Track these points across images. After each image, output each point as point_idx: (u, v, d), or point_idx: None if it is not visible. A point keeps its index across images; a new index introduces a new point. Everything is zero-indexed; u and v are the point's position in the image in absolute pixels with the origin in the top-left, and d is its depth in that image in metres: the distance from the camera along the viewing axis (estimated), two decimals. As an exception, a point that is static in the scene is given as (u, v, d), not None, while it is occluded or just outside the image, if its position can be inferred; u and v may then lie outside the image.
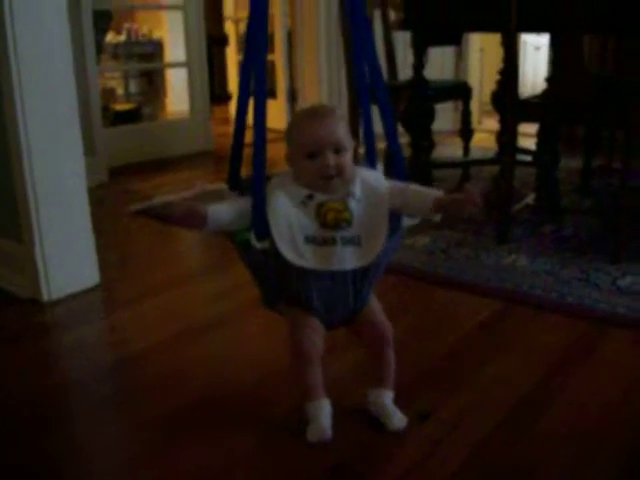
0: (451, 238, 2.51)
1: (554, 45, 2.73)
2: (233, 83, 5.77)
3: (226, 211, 1.24)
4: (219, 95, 5.98)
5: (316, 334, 1.28)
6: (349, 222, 1.23)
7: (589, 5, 2.23)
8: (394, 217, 1.27)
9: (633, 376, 1.58)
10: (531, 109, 2.48)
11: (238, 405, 1.47)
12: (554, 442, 1.32)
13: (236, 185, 1.35)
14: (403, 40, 3.61)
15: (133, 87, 5.64)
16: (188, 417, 1.43)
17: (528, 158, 3.15)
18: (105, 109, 4.05)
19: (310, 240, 1.21)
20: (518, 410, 1.43)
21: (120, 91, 5.57)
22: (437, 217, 1.27)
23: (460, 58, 4.83)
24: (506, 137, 2.52)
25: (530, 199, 2.76)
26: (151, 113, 5.03)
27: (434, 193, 1.26)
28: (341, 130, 1.24)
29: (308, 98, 4.91)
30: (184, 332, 1.84)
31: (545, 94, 2.63)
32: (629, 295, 1.96)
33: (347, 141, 1.25)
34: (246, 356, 1.71)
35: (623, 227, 2.23)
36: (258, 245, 1.21)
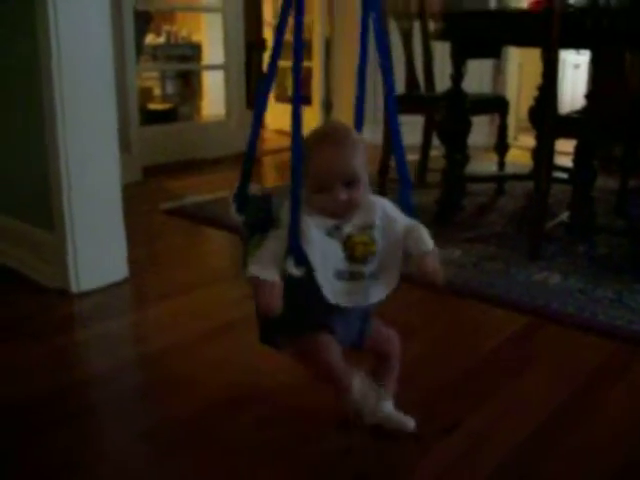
0: (482, 252, 2.48)
1: (595, 61, 2.70)
2: (269, 89, 5.78)
3: (274, 263, 1.12)
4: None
5: (335, 346, 1.22)
6: (374, 255, 1.16)
7: (631, 21, 2.20)
8: None
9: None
10: (569, 124, 2.44)
11: (259, 408, 1.46)
12: (585, 459, 1.29)
13: (243, 205, 1.25)
14: (441, 52, 3.59)
15: (170, 88, 5.67)
16: (209, 417, 1.43)
17: (564, 176, 3.11)
18: (142, 108, 4.09)
19: (341, 275, 1.14)
20: (548, 425, 1.40)
21: (157, 92, 5.61)
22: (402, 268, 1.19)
23: (498, 72, 4.79)
24: (543, 151, 2.48)
25: (564, 217, 2.72)
26: (187, 114, 5.06)
27: (426, 248, 1.17)
28: (355, 159, 1.13)
29: (343, 107, 4.90)
30: (209, 332, 1.83)
31: (584, 110, 2.59)
32: (664, 318, 1.92)
33: (362, 171, 1.14)
34: (270, 360, 1.68)
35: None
36: (297, 272, 1.11)
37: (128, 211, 2.21)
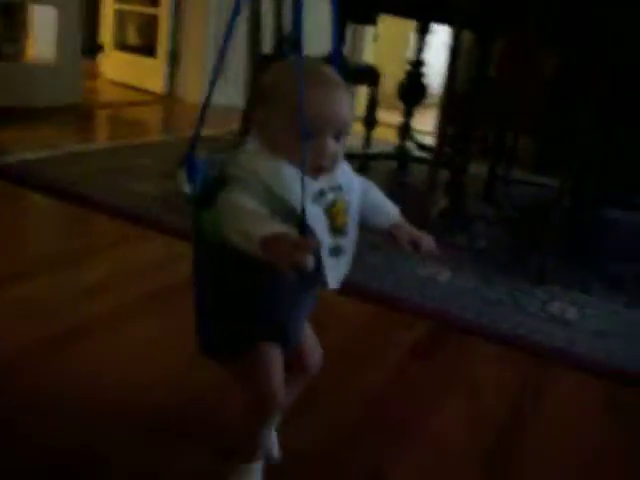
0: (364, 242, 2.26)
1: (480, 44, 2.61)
2: (106, 34, 5.20)
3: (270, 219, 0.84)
4: (88, 47, 5.41)
5: (281, 372, 0.98)
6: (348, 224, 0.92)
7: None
8: None
9: (583, 415, 1.41)
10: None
11: (119, 425, 1.13)
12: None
13: (194, 173, 0.89)
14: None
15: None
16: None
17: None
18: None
19: (331, 252, 0.89)
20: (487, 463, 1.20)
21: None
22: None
23: (360, 41, 4.62)
24: (458, 141, 2.36)
25: (443, 203, 2.58)
26: (10, 54, 4.39)
27: (392, 211, 0.99)
28: (348, 107, 0.90)
29: (191, 59, 4.50)
30: (49, 338, 1.44)
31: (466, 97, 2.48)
32: (565, 326, 1.81)
33: (350, 124, 0.91)
34: (120, 369, 1.35)
35: (548, 247, 2.11)
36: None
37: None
